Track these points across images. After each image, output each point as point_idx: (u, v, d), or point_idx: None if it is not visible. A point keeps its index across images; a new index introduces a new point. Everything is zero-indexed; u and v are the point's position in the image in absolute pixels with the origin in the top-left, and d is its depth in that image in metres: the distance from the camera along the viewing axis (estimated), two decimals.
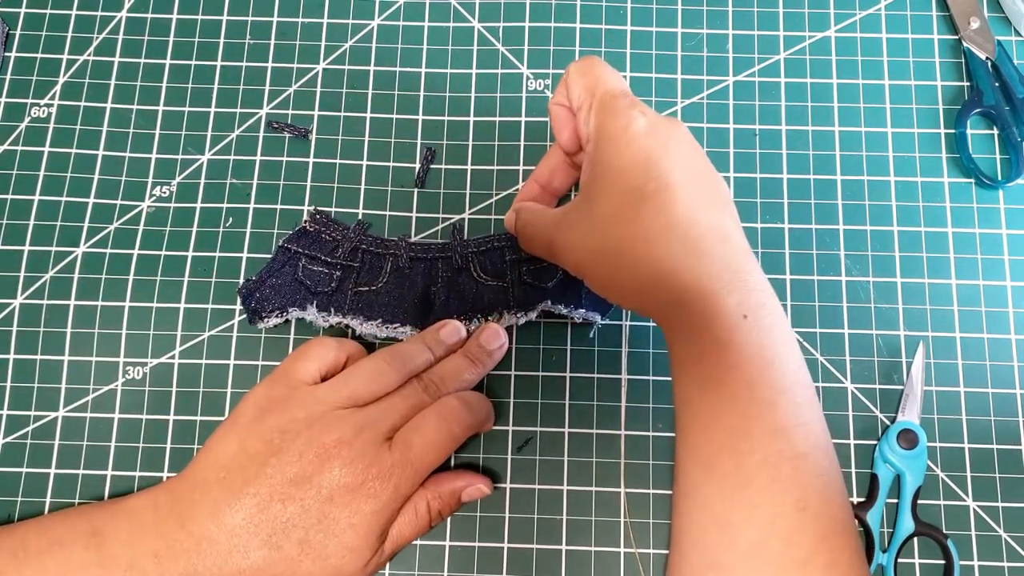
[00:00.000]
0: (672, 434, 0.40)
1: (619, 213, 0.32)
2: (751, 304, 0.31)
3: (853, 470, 0.40)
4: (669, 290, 0.31)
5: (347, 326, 0.41)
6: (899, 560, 0.39)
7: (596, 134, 0.34)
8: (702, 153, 0.34)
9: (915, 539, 0.39)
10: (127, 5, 0.47)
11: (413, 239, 0.43)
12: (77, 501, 0.39)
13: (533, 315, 0.40)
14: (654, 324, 0.41)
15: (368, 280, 0.41)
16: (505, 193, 0.43)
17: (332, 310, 0.40)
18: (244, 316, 0.41)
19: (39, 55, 0.46)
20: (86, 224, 0.43)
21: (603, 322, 0.41)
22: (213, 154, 0.44)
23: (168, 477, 0.40)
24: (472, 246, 0.41)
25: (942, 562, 0.39)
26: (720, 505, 0.30)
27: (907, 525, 0.38)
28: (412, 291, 0.41)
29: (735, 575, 0.29)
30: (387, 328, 0.40)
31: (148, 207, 0.43)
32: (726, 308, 0.30)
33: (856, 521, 0.31)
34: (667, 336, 0.33)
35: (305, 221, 0.42)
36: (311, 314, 0.40)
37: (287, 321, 0.41)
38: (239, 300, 0.41)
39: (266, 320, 0.41)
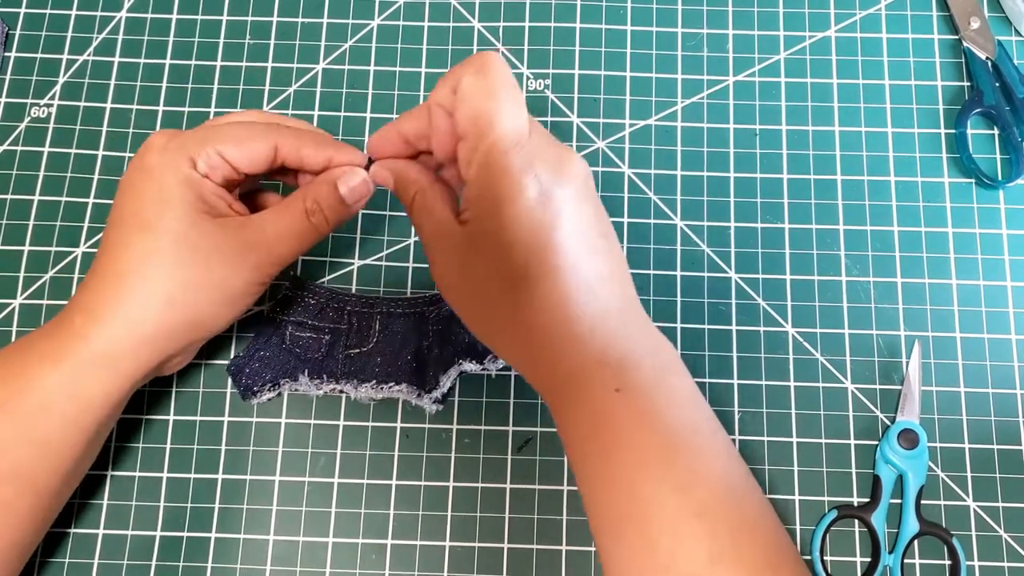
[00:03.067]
0: None
1: (499, 295, 0.31)
2: (627, 368, 0.30)
3: (854, 470, 0.40)
4: (546, 373, 0.31)
5: (341, 391, 0.40)
6: (904, 561, 0.39)
7: (479, 190, 0.30)
8: (594, 197, 0.31)
9: (918, 540, 0.39)
10: (127, 5, 0.47)
11: (399, 296, 0.41)
12: (76, 502, 0.39)
13: None
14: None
15: (358, 341, 0.40)
16: None
17: (325, 377, 0.39)
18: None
19: (39, 55, 0.46)
20: (86, 224, 0.43)
21: None
22: None
23: (167, 478, 0.40)
24: None
25: (945, 562, 0.39)
26: (633, 570, 0.29)
27: (912, 525, 0.38)
28: (404, 348, 0.40)
29: None
30: (382, 389, 0.39)
31: None
32: (601, 384, 0.30)
33: (795, 548, 0.31)
34: (551, 410, 0.33)
35: (285, 289, 0.41)
36: (303, 384, 0.39)
37: (279, 395, 0.41)
38: (229, 380, 0.40)
39: (259, 396, 0.40)
